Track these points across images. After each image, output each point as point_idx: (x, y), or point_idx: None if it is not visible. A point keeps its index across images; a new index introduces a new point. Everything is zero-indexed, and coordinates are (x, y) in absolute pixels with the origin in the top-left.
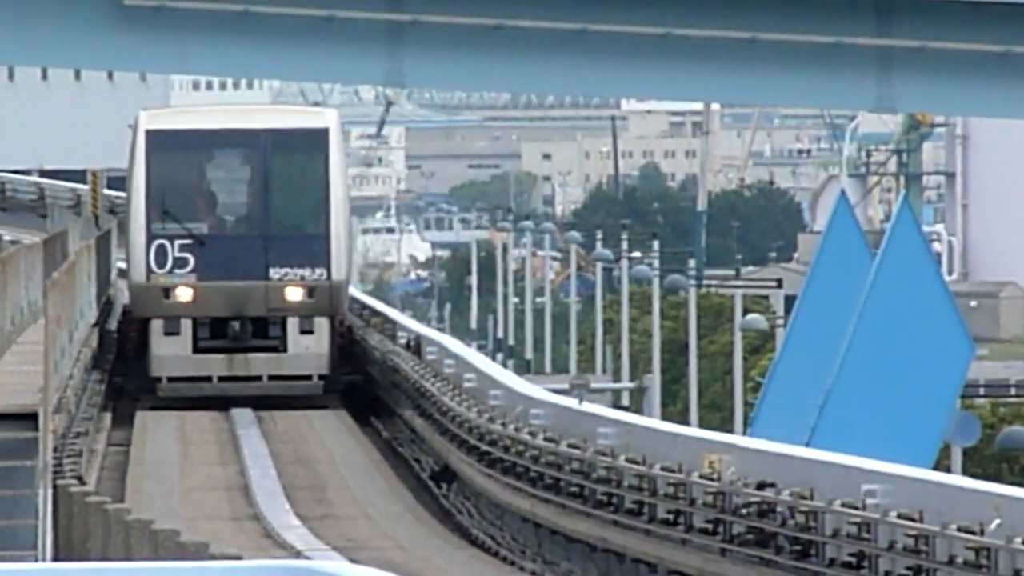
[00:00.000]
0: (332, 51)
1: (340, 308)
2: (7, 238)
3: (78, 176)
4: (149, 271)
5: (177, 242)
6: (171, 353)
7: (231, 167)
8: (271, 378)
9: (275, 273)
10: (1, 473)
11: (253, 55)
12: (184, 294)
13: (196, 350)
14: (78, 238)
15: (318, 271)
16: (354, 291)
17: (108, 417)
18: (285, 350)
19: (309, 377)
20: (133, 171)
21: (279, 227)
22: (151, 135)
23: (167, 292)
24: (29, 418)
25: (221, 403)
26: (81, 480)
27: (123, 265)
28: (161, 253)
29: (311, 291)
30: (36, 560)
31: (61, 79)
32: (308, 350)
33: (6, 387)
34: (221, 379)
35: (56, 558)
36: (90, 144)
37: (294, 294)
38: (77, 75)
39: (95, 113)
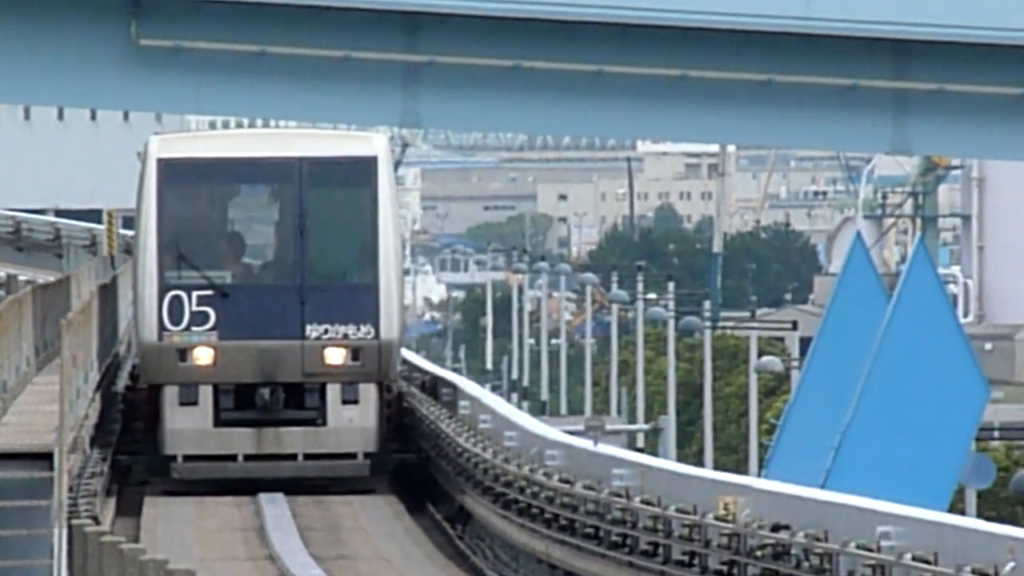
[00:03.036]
0: (348, 92)
1: (390, 372)
2: (22, 278)
3: (94, 216)
4: (161, 328)
5: (195, 294)
6: (188, 427)
7: (260, 204)
8: (307, 457)
9: (313, 331)
10: (17, 512)
11: (269, 95)
12: (203, 356)
13: (218, 423)
14: (93, 278)
15: (364, 328)
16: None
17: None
18: (324, 423)
19: (353, 455)
20: (142, 208)
21: (318, 276)
22: (164, 165)
23: (183, 354)
24: (44, 457)
25: (248, 487)
26: (96, 520)
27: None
28: (176, 307)
29: (356, 352)
30: None
31: (77, 119)
32: (352, 423)
33: (22, 427)
34: (247, 458)
35: None
36: (106, 184)
37: (335, 356)
38: (93, 115)
39: (111, 153)
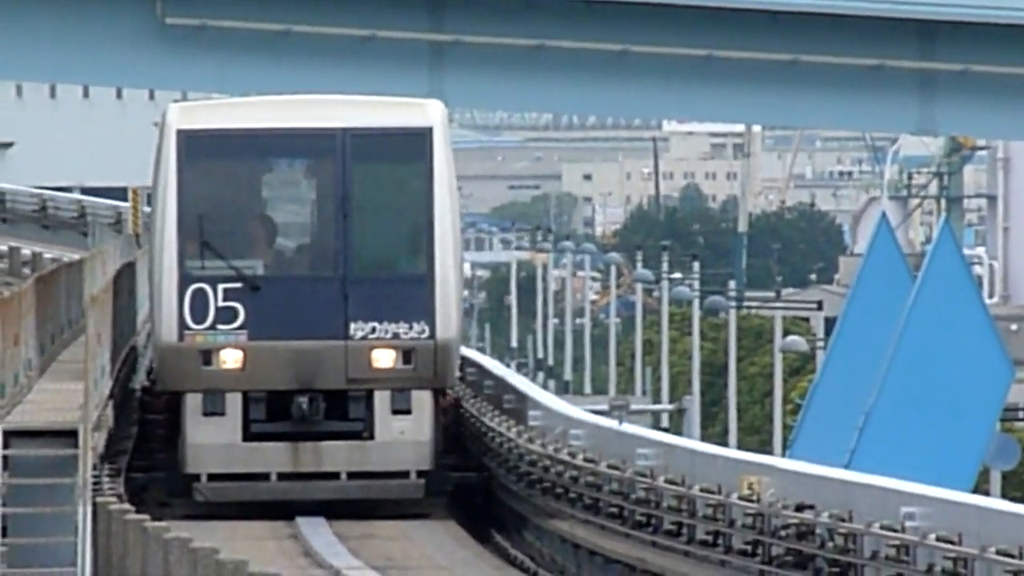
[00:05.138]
0: (373, 70)
1: (448, 377)
2: (48, 256)
3: (119, 194)
4: (183, 327)
5: (221, 287)
6: (213, 441)
7: (296, 182)
8: (352, 475)
9: (358, 329)
10: (41, 490)
11: (294, 74)
12: (231, 359)
13: (248, 437)
14: (118, 257)
15: (418, 327)
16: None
17: None
18: (372, 437)
19: (405, 474)
20: (160, 187)
21: (363, 266)
22: (185, 138)
23: (207, 356)
24: (69, 435)
25: (283, 510)
26: (120, 498)
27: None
28: (199, 302)
29: (408, 354)
30: None
31: (102, 97)
32: (403, 437)
33: (46, 404)
34: (282, 477)
35: (95, 575)
36: (131, 162)
37: (384, 359)
38: (119, 93)
39: (136, 131)
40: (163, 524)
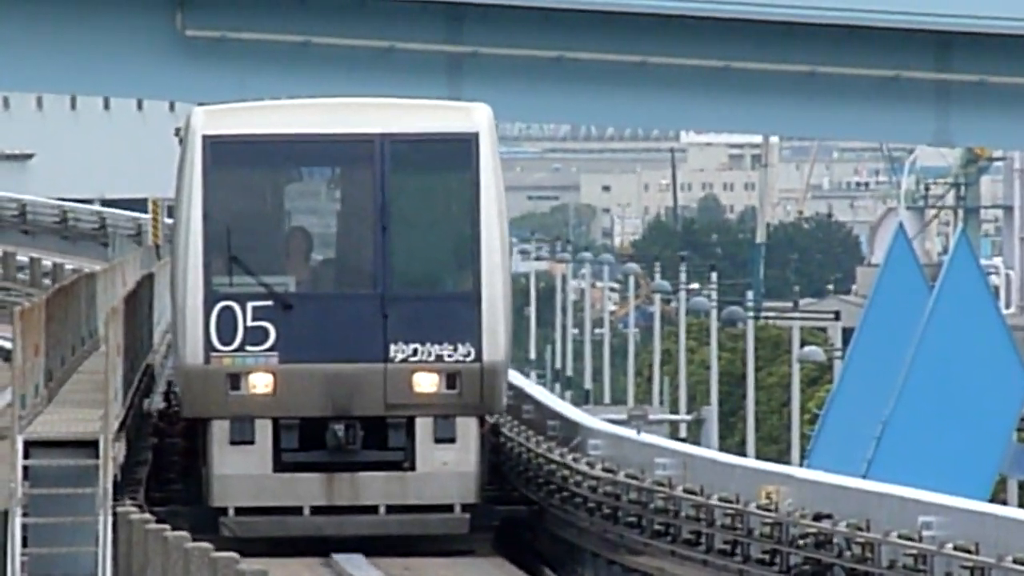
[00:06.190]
0: (392, 82)
1: (495, 403)
2: (69, 266)
3: (139, 205)
4: (209, 348)
5: (251, 305)
6: (242, 472)
7: (332, 193)
8: (391, 509)
9: (398, 352)
10: (62, 500)
11: (313, 85)
12: (261, 383)
13: (279, 467)
14: (138, 268)
15: (463, 349)
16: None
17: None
18: (412, 468)
19: (448, 508)
20: (184, 198)
21: (404, 282)
22: (212, 144)
23: (235, 380)
24: (90, 445)
25: (317, 547)
26: (141, 507)
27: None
28: (227, 321)
29: (452, 379)
30: None
31: (123, 109)
32: (447, 468)
33: (67, 415)
34: (316, 511)
35: None
36: (151, 173)
37: (427, 383)
38: (139, 105)
39: (156, 143)
40: (183, 533)
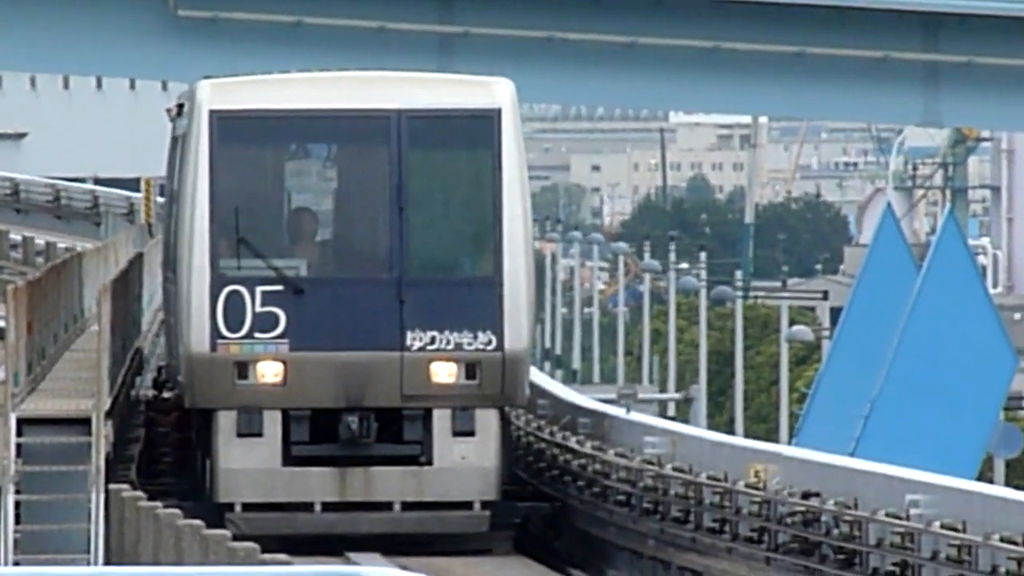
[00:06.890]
0: (384, 62)
1: (517, 394)
2: (61, 245)
3: (132, 184)
4: (215, 336)
5: (259, 290)
6: (249, 466)
7: (346, 171)
8: (407, 506)
9: (415, 339)
10: (54, 477)
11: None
12: (270, 372)
13: (289, 461)
14: (130, 247)
15: (483, 337)
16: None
17: None
18: (430, 462)
19: (468, 505)
20: (189, 177)
21: (422, 267)
22: (219, 120)
23: (243, 369)
24: (82, 423)
25: (328, 545)
26: (133, 484)
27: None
28: (234, 307)
29: (472, 368)
30: (88, 563)
31: (116, 88)
32: (466, 462)
33: (59, 393)
34: (327, 507)
35: (107, 561)
36: (144, 153)
37: (445, 373)
38: (132, 84)
39: (149, 122)
40: (175, 511)
